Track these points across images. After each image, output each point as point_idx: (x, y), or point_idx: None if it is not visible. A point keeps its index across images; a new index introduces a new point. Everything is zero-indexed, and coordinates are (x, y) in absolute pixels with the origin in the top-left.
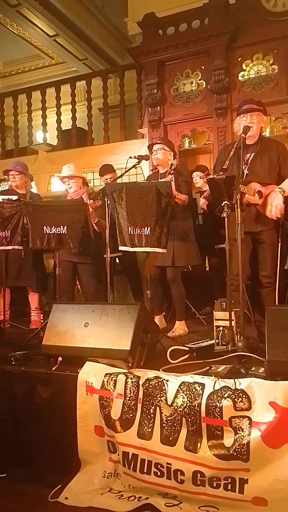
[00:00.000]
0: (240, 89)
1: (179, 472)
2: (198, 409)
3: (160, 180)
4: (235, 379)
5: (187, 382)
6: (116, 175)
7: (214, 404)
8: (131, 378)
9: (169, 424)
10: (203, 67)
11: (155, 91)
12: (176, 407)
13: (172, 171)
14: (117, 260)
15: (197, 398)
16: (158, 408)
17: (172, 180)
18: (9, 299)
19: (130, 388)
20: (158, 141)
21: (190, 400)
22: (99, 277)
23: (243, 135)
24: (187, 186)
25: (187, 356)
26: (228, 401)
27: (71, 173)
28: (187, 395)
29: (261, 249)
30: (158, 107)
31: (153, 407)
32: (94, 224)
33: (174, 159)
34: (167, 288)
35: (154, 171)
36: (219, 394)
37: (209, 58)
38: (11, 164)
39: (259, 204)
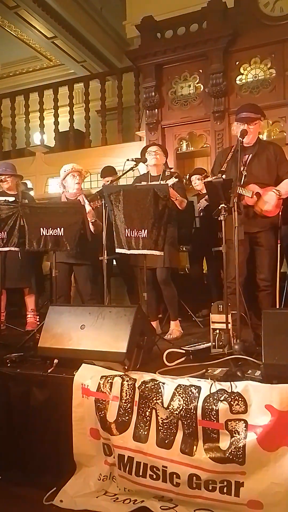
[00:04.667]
0: (238, 93)
1: (174, 475)
2: (194, 412)
3: (151, 183)
4: (232, 382)
5: (183, 385)
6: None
7: (210, 407)
8: (127, 381)
9: (165, 427)
10: (201, 71)
11: (153, 94)
12: (172, 410)
13: (176, 175)
14: (114, 262)
15: (193, 401)
16: (154, 410)
17: (174, 184)
18: (5, 300)
19: (126, 390)
20: (152, 143)
21: (186, 403)
22: (95, 279)
23: (241, 139)
24: (183, 192)
25: (183, 358)
26: (224, 404)
27: (81, 168)
28: (183, 398)
29: (259, 252)
30: (156, 110)
31: (149, 410)
32: (90, 224)
33: (166, 162)
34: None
35: (144, 173)
36: (215, 397)
37: (207, 61)
38: None
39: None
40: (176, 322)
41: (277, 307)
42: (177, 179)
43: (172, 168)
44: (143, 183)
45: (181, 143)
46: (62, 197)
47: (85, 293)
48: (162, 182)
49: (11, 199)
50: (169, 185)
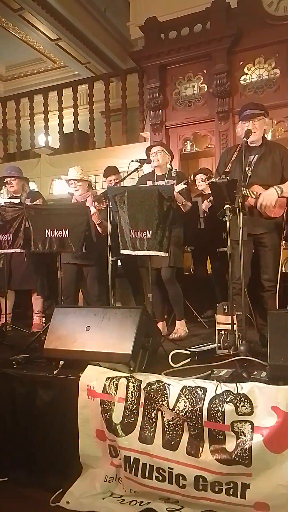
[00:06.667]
0: (242, 93)
1: (180, 477)
2: (200, 413)
3: (157, 182)
4: (237, 383)
5: (189, 386)
6: (121, 177)
7: (216, 409)
8: (132, 382)
9: (171, 428)
10: (205, 71)
11: (157, 95)
12: (177, 411)
13: (185, 182)
14: (119, 263)
15: (199, 402)
16: (159, 412)
17: (182, 190)
18: (12, 302)
19: (131, 392)
20: (157, 144)
21: (192, 404)
22: (102, 280)
23: (245, 139)
24: (188, 194)
25: (188, 360)
26: (230, 405)
27: (79, 176)
28: (189, 399)
29: (263, 253)
30: (160, 110)
31: (154, 411)
32: (97, 226)
33: (170, 163)
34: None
35: (149, 172)
36: (221, 399)
37: (211, 62)
38: (5, 170)
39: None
40: (181, 322)
41: (277, 307)
42: (185, 186)
43: (176, 169)
44: (149, 182)
45: (186, 143)
46: (73, 199)
47: (92, 294)
48: (168, 182)
49: (17, 200)
50: (176, 190)
